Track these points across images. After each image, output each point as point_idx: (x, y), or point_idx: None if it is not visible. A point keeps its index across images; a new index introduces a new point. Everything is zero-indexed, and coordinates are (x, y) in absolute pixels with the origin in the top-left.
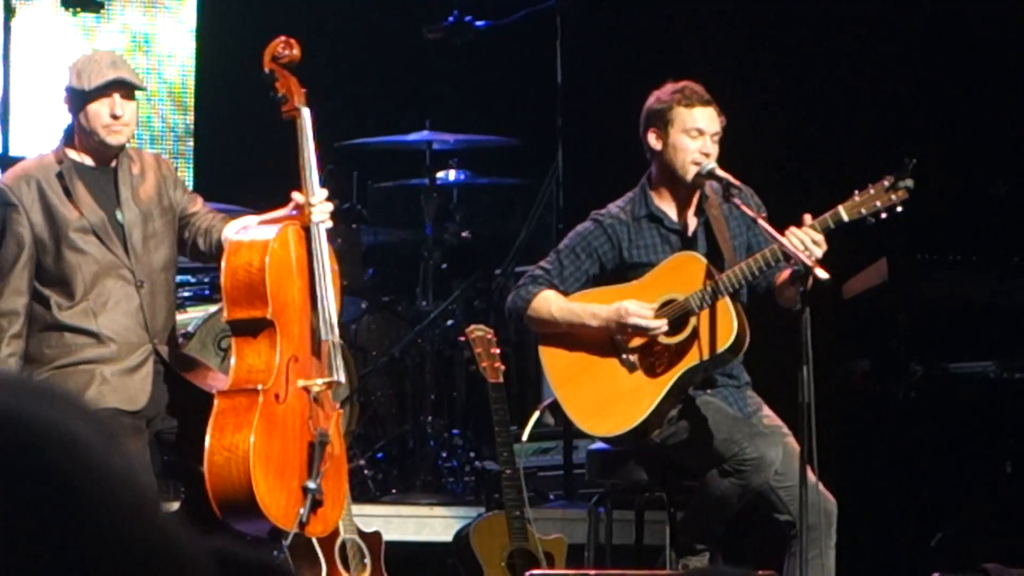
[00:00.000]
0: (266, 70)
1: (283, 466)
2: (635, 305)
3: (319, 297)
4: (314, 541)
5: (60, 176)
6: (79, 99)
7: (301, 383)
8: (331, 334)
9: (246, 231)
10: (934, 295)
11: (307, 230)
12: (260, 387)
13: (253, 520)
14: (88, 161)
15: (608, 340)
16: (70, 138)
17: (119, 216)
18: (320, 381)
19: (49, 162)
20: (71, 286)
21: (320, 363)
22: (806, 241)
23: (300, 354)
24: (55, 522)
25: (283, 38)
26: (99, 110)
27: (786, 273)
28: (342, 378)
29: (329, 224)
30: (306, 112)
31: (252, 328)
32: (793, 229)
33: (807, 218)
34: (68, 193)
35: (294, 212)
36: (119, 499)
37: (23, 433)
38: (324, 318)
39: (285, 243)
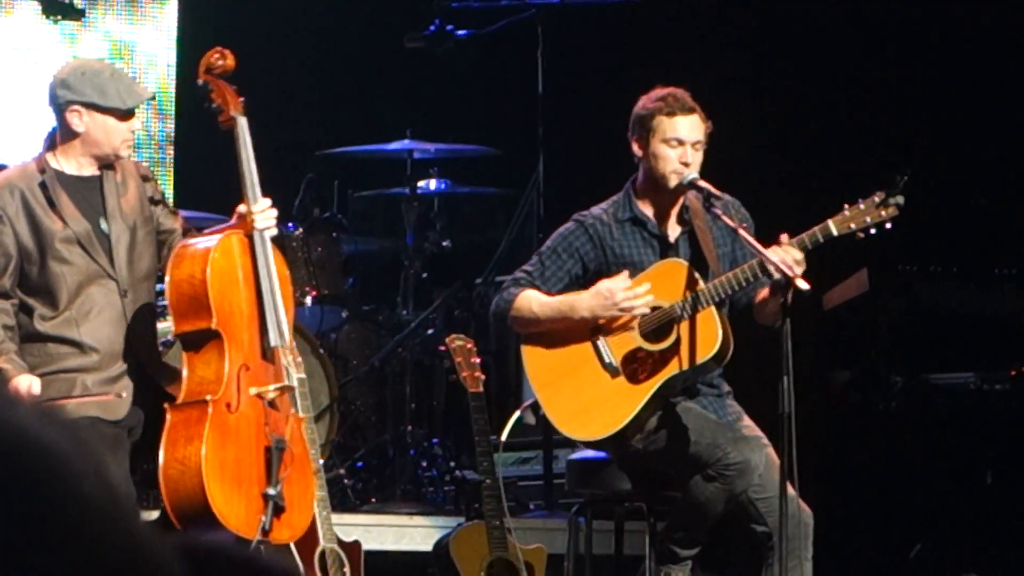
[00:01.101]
0: (200, 81)
1: (239, 475)
2: (615, 282)
3: (266, 304)
4: (293, 549)
5: (43, 186)
6: (105, 117)
7: (254, 391)
8: (281, 340)
9: (188, 244)
10: (915, 306)
11: (251, 238)
12: (209, 398)
13: (213, 531)
14: (71, 169)
15: (591, 344)
16: (52, 145)
17: (103, 226)
18: (272, 387)
19: (31, 171)
20: (55, 296)
21: (274, 369)
22: (787, 260)
23: (251, 362)
24: (27, 531)
25: (217, 49)
26: (122, 127)
27: (766, 291)
28: (296, 383)
29: (274, 231)
30: (242, 121)
31: (200, 340)
32: (773, 248)
33: (784, 237)
34: (51, 203)
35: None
36: (93, 507)
37: None
38: (273, 325)
39: (228, 252)
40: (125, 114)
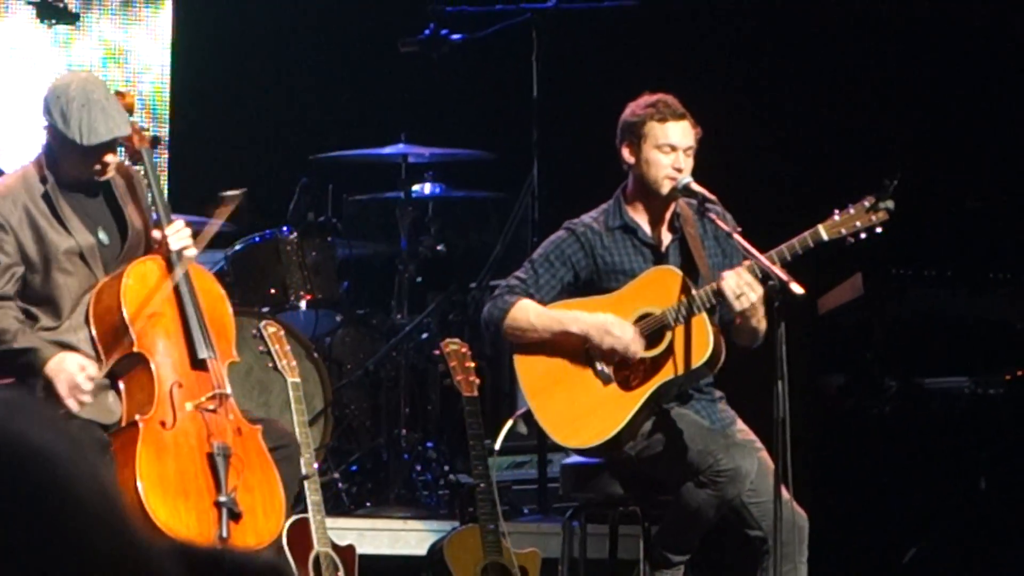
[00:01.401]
0: None
1: (184, 487)
2: (624, 330)
3: (190, 320)
4: (288, 553)
5: (46, 196)
6: (67, 145)
7: (190, 405)
8: (210, 352)
9: (104, 280)
10: (909, 310)
11: (169, 259)
12: (138, 417)
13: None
14: (70, 179)
15: (584, 352)
16: (51, 152)
17: (102, 236)
18: (205, 397)
19: (32, 179)
20: (58, 307)
21: (212, 380)
22: (742, 285)
23: (184, 378)
24: (25, 532)
25: (116, 92)
26: (87, 159)
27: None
28: (228, 390)
29: (192, 252)
30: (146, 153)
31: (129, 366)
32: (728, 272)
33: (745, 262)
34: (55, 214)
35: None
36: (88, 509)
37: None
38: (199, 339)
39: (141, 277)
40: (91, 147)
